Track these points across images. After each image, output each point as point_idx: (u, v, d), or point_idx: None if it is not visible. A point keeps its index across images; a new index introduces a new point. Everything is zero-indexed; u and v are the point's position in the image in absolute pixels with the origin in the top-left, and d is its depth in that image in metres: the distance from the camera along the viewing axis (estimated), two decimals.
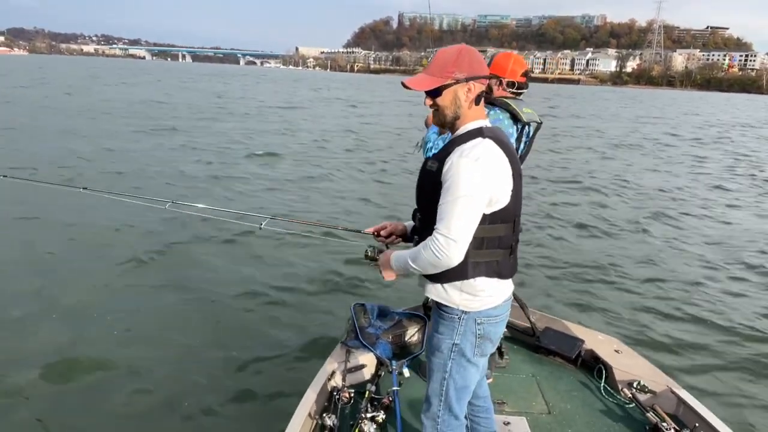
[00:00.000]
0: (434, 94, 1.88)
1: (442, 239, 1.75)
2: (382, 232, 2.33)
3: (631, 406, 2.94)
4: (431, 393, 2.09)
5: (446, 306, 1.94)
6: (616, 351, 3.33)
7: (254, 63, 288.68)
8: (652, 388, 3.00)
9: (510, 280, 2.00)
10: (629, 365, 3.18)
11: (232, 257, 5.96)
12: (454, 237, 1.73)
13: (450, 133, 2.83)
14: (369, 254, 2.25)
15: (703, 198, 11.62)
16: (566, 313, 5.09)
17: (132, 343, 4.15)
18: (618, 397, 3.02)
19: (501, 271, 1.91)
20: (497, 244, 1.87)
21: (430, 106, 1.93)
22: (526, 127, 3.06)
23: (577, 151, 17.81)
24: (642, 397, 2.96)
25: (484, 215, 1.80)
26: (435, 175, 1.83)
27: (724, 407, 3.91)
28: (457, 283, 1.89)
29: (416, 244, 2.04)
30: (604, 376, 3.15)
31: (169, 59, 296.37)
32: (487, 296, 1.91)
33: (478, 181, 1.74)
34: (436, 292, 1.95)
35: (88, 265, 5.34)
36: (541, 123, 3.18)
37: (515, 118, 2.96)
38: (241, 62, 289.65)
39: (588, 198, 10.88)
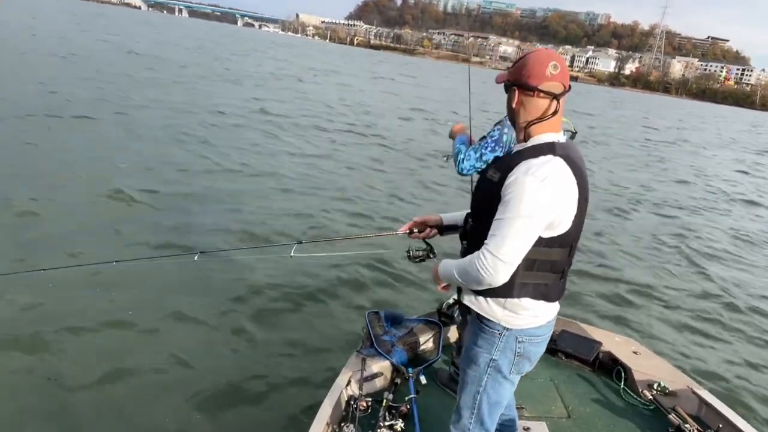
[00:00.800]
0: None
1: (490, 258, 1.68)
2: (415, 228, 2.28)
3: (651, 407, 2.92)
4: (463, 405, 2.05)
5: (488, 320, 1.89)
6: (635, 352, 3.31)
7: (252, 25, 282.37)
8: (673, 389, 2.98)
9: (557, 302, 1.94)
10: (648, 366, 3.16)
11: (246, 269, 5.81)
12: (503, 258, 1.67)
13: (482, 144, 2.78)
14: (411, 254, 2.23)
15: (715, 199, 11.80)
16: (582, 315, 5.08)
17: (153, 349, 4.03)
18: (638, 399, 3.00)
19: (548, 294, 1.86)
20: (549, 268, 1.81)
21: None
22: None
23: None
24: (663, 398, 2.95)
25: (541, 238, 1.73)
26: (496, 185, 1.75)
27: (748, 406, 3.91)
28: (501, 299, 1.84)
29: (463, 250, 2.01)
30: (623, 378, 3.13)
31: (165, 12, 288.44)
32: (532, 316, 1.86)
33: (541, 203, 1.66)
34: (478, 304, 1.89)
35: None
36: (576, 132, 3.11)
37: None
38: (239, 23, 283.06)
39: (597, 199, 10.92)
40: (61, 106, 11.34)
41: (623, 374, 3.16)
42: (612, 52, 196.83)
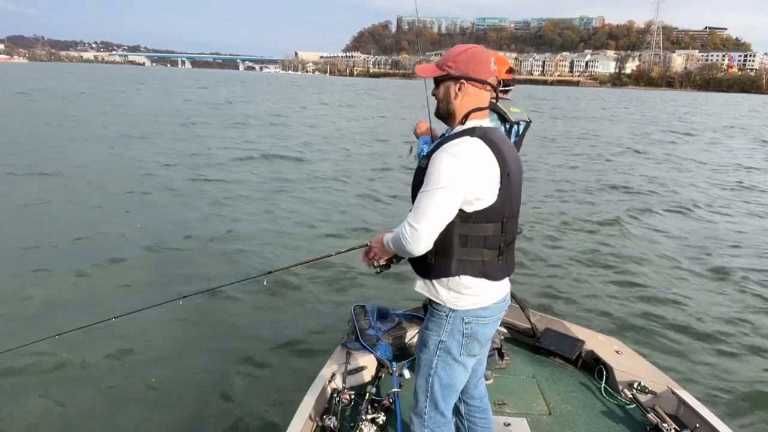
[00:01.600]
0: (436, 84, 1.95)
1: (408, 227, 1.79)
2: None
3: (631, 406, 2.93)
4: (418, 389, 2.09)
5: (435, 303, 1.96)
6: (617, 352, 3.32)
7: (253, 68, 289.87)
8: (653, 389, 2.98)
9: (503, 283, 1.97)
10: (630, 366, 3.17)
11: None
12: (418, 227, 1.77)
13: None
14: (376, 264, 2.20)
15: (697, 197, 11.62)
16: (566, 313, 5.06)
17: (131, 341, 4.18)
18: (618, 397, 3.00)
19: (487, 271, 1.88)
20: (483, 244, 1.85)
21: (433, 95, 1.99)
22: (515, 126, 3.05)
23: (563, 149, 17.81)
24: (642, 397, 2.95)
25: (467, 213, 1.80)
26: (423, 172, 1.85)
27: (725, 407, 3.90)
28: (444, 279, 1.90)
29: None
30: (604, 377, 3.13)
31: (168, 65, 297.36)
32: (474, 295, 1.90)
33: (453, 175, 1.74)
34: (426, 288, 1.96)
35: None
36: (530, 122, 3.17)
37: (503, 118, 2.96)
38: (241, 67, 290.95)
39: (584, 198, 10.87)
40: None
41: (605, 373, 3.16)
42: (611, 53, 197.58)
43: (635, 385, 3.00)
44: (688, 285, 6.39)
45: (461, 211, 1.79)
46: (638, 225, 8.99)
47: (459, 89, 1.89)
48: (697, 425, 2.67)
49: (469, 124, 1.90)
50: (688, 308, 5.68)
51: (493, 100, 2.96)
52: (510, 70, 3.13)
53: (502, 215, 1.85)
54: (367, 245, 2.25)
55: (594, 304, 5.62)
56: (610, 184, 12.37)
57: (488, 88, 1.90)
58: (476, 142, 1.80)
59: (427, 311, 3.46)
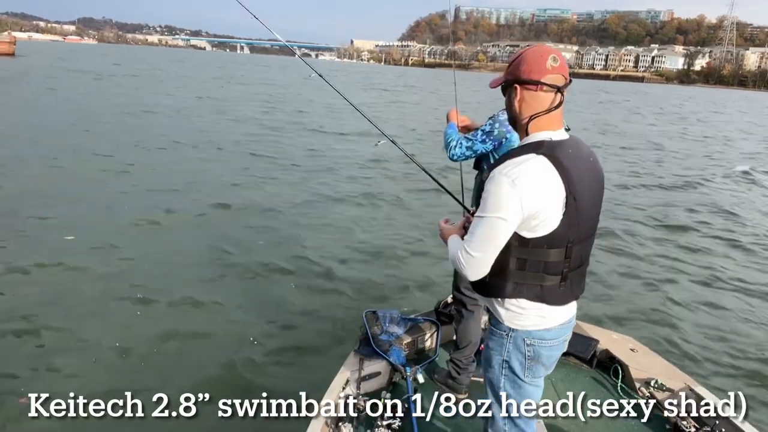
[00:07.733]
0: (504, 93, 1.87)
1: (464, 253, 1.74)
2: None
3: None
4: (493, 407, 2.03)
5: (496, 320, 1.90)
6: (632, 350, 3.30)
7: (309, 55, 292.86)
8: (670, 387, 2.96)
9: (568, 306, 1.88)
10: (646, 364, 3.15)
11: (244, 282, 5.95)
12: (475, 255, 1.71)
13: (473, 134, 2.83)
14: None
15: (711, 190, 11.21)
16: (579, 313, 4.96)
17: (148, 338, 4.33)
18: (635, 396, 2.99)
19: (546, 297, 1.78)
20: (542, 269, 1.75)
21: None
22: None
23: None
24: (660, 395, 2.93)
25: (525, 238, 1.70)
26: (484, 183, 1.77)
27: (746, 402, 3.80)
28: (500, 299, 1.83)
29: None
30: (620, 376, 3.12)
31: (228, 50, 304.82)
32: (538, 317, 1.81)
33: (510, 203, 1.63)
34: (489, 301, 1.90)
35: None
36: (569, 129, 3.12)
37: None
38: (297, 54, 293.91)
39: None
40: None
41: (620, 372, 3.13)
42: (679, 48, 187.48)
43: (652, 383, 2.98)
44: (701, 279, 6.30)
45: (518, 235, 1.70)
46: (649, 221, 8.82)
47: (516, 94, 1.77)
48: (717, 422, 2.64)
49: (537, 136, 1.75)
50: (704, 302, 5.58)
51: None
52: None
53: (567, 241, 1.72)
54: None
55: (607, 302, 5.53)
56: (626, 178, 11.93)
57: (544, 88, 1.72)
58: (540, 162, 1.66)
59: (438, 315, 3.53)
